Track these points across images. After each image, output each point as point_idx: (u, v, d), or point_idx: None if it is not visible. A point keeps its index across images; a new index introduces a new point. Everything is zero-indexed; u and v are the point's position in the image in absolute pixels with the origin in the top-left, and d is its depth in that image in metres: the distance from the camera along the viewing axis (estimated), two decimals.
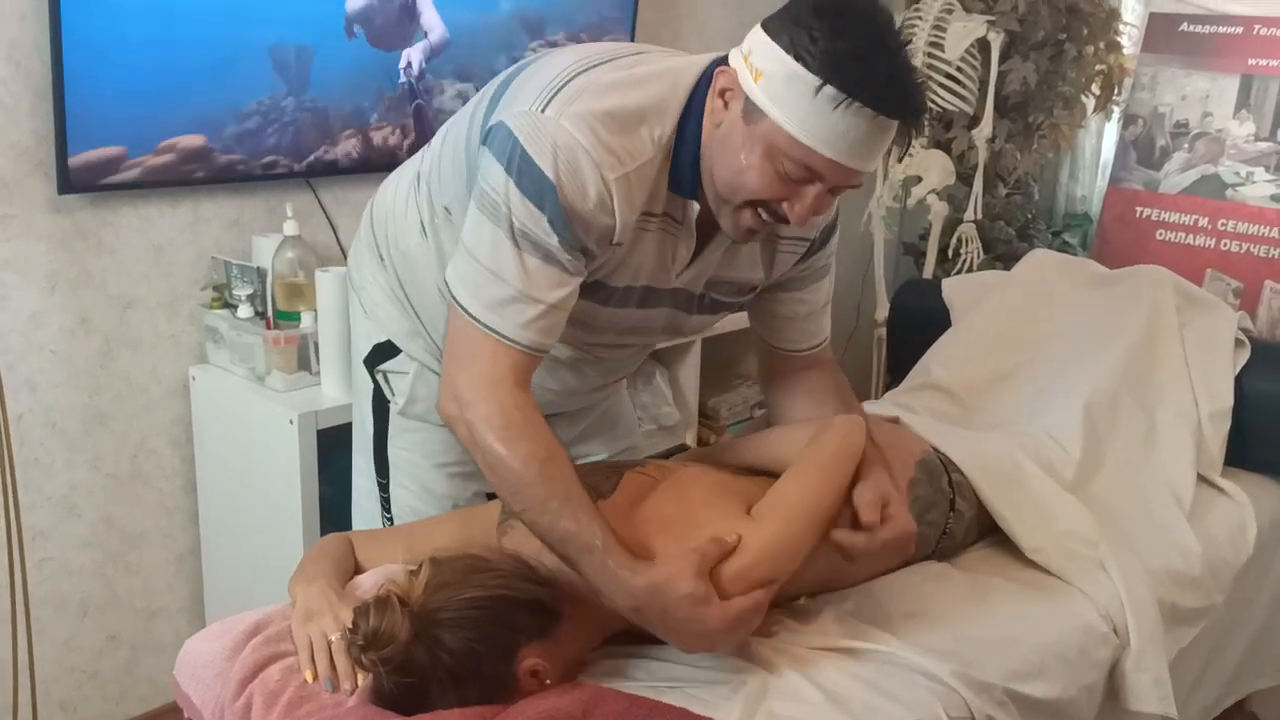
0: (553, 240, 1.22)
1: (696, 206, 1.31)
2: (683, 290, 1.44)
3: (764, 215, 1.28)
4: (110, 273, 2.06)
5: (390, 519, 1.62)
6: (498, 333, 1.24)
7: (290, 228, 2.11)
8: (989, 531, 1.69)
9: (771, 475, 1.39)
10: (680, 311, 1.47)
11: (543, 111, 1.23)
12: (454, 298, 1.27)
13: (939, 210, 3.19)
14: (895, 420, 1.78)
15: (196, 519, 2.26)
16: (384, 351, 1.57)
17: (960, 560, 1.64)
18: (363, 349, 1.60)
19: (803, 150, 1.19)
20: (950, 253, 3.25)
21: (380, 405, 1.59)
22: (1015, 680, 1.37)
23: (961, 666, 1.34)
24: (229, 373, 2.14)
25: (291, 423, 1.97)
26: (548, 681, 1.22)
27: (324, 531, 2.00)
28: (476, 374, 1.24)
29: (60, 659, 2.15)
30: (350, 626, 1.16)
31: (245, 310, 2.12)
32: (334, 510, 1.93)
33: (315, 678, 1.23)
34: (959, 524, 1.63)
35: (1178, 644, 1.65)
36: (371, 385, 1.59)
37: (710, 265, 1.42)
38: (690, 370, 2.71)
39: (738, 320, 1.55)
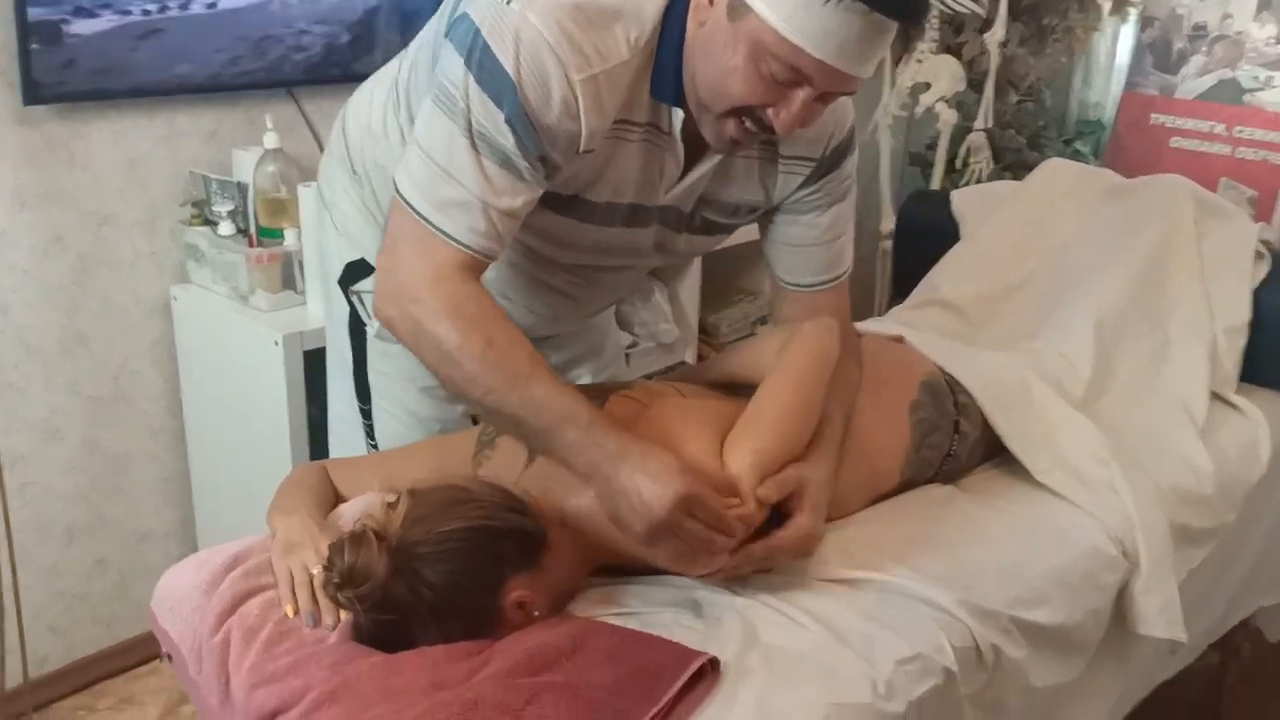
0: (508, 141, 1.14)
1: (681, 114, 1.23)
2: (672, 208, 1.35)
3: (748, 124, 1.20)
4: (83, 189, 1.98)
5: (375, 446, 1.56)
6: (445, 233, 1.16)
7: (271, 140, 2.02)
8: (996, 453, 1.63)
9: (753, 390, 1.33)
10: (669, 230, 1.39)
11: (508, 2, 1.13)
12: (399, 192, 1.18)
13: (948, 118, 3.08)
14: (899, 339, 1.71)
15: (184, 441, 2.21)
16: (358, 270, 1.50)
17: (965, 483, 1.59)
18: (335, 269, 1.53)
19: (790, 49, 1.10)
20: (959, 163, 3.16)
21: (357, 328, 1.52)
22: (1019, 607, 1.33)
23: (964, 594, 1.29)
24: (211, 292, 2.07)
25: (276, 344, 1.91)
26: (536, 614, 1.17)
27: (313, 455, 1.96)
28: (420, 270, 1.16)
29: (48, 584, 2.12)
30: (326, 564, 1.11)
31: (226, 227, 2.04)
32: (323, 433, 1.88)
33: (296, 612, 1.19)
34: (963, 446, 1.57)
35: (1187, 565, 1.60)
36: (348, 308, 1.52)
37: (702, 181, 1.33)
38: (690, 286, 2.63)
39: (740, 234, 1.46)
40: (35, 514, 2.07)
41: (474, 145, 1.15)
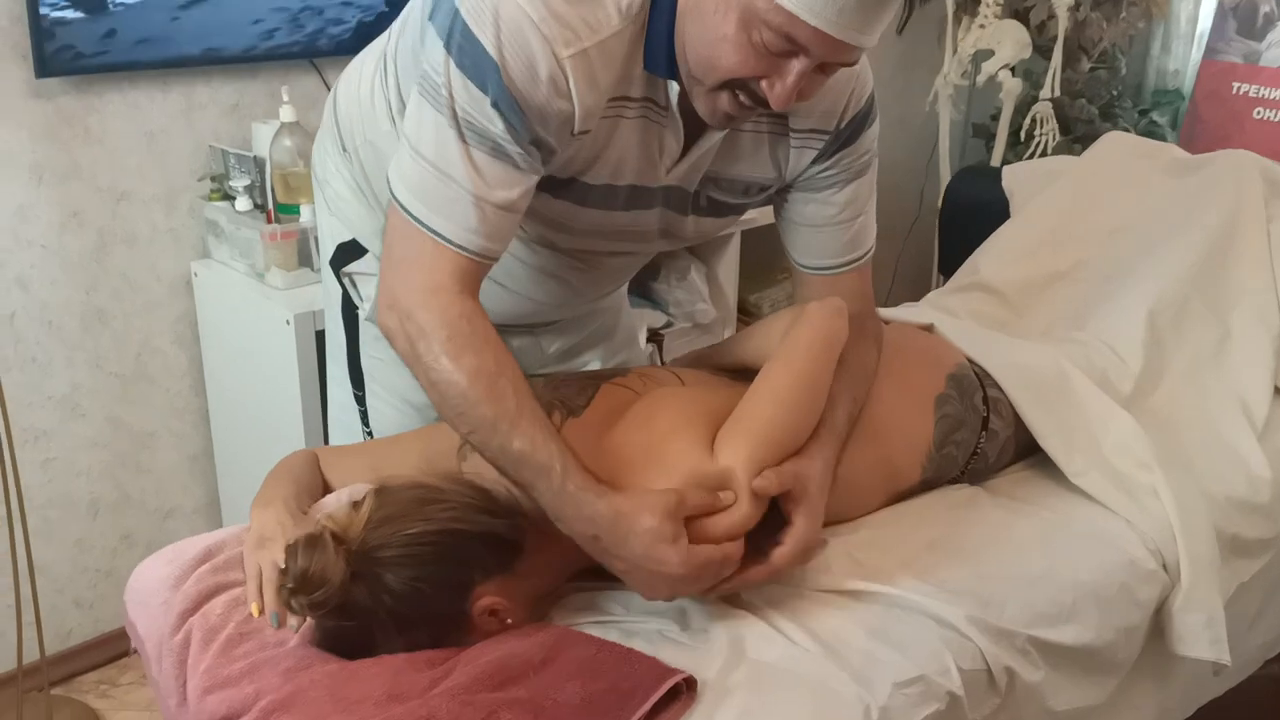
0: (497, 127, 1.06)
1: (677, 88, 1.13)
2: (675, 188, 1.26)
3: (742, 98, 1.10)
4: (100, 163, 1.95)
5: (370, 433, 1.51)
6: (442, 236, 1.09)
7: (287, 113, 1.97)
8: (1029, 452, 1.52)
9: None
10: (674, 213, 1.29)
11: None
12: (393, 195, 1.12)
13: (1012, 87, 2.93)
14: (929, 329, 1.60)
15: (208, 419, 2.19)
16: (349, 251, 1.44)
17: (993, 484, 1.48)
18: (328, 249, 1.47)
19: (784, 17, 1.00)
20: (1023, 134, 3.00)
21: (350, 311, 1.47)
22: (1041, 625, 1.23)
23: (979, 610, 1.19)
24: (230, 269, 2.04)
25: (288, 323, 1.87)
26: (509, 621, 1.11)
27: (327, 438, 1.91)
28: (418, 281, 1.09)
29: (74, 558, 2.12)
30: (282, 566, 1.06)
31: (244, 203, 2.00)
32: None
33: (262, 611, 1.13)
34: (992, 444, 1.46)
35: (1237, 579, 1.47)
36: (340, 290, 1.47)
37: (706, 159, 1.24)
38: (729, 264, 2.53)
39: None
40: (60, 489, 2.07)
41: (462, 136, 1.08)
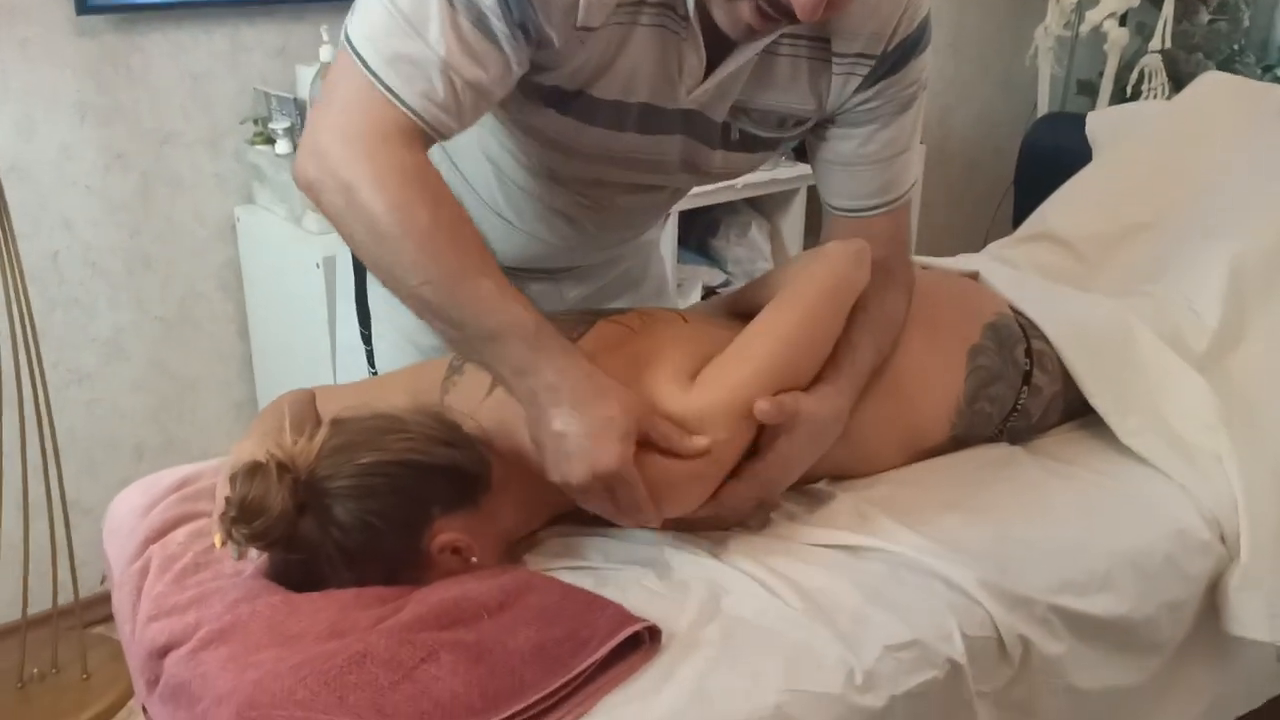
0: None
1: None
2: (698, 114, 1.16)
3: (764, 6, 1.00)
4: (144, 104, 1.94)
5: (375, 374, 1.46)
6: (395, 93, 0.98)
7: (326, 53, 1.93)
8: (1081, 412, 1.38)
9: None
10: (699, 144, 1.19)
11: None
12: (347, 38, 1.01)
13: (1117, 39, 2.74)
14: (974, 276, 1.47)
15: (251, 367, 2.18)
16: None
17: (1035, 444, 1.35)
18: None
19: None
20: (1130, 90, 2.80)
21: None
22: (1067, 593, 1.10)
23: (995, 574, 1.08)
24: (271, 214, 2.02)
25: (318, 266, 1.83)
26: (473, 560, 1.04)
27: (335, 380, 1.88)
28: (359, 127, 0.97)
29: None
30: (227, 494, 1.01)
31: (284, 145, 1.97)
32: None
33: (225, 542, 1.09)
34: (1035, 401, 1.33)
35: None
36: None
37: (735, 84, 1.13)
38: (794, 220, 2.42)
39: None
40: (104, 431, 2.08)
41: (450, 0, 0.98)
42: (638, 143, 1.17)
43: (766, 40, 1.08)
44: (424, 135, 1.00)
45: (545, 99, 1.09)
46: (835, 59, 1.14)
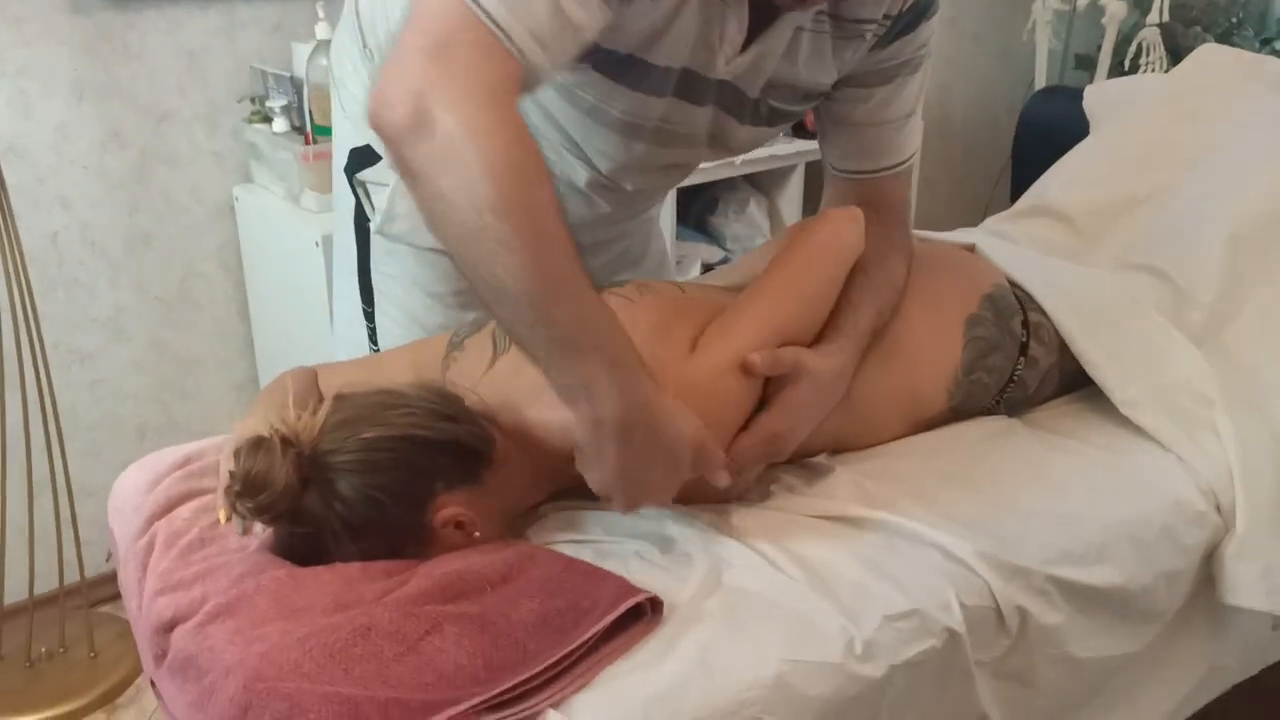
0: None
1: None
2: (732, 86, 1.16)
3: None
4: (140, 81, 1.94)
5: (378, 350, 1.46)
6: (505, 32, 0.87)
7: (323, 30, 1.93)
8: (1078, 385, 1.39)
9: None
10: (729, 116, 1.19)
11: None
12: None
13: (1115, 11, 2.74)
14: (970, 248, 1.48)
15: (253, 347, 2.19)
16: (364, 157, 1.38)
17: (1032, 416, 1.36)
18: (341, 155, 1.41)
19: None
20: (1128, 64, 2.79)
21: (362, 222, 1.41)
22: (1065, 564, 1.11)
23: (992, 545, 1.09)
24: (269, 192, 2.02)
25: (317, 245, 1.83)
26: (476, 534, 1.05)
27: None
28: (468, 70, 0.85)
29: None
30: (231, 469, 1.01)
31: (281, 124, 1.97)
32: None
33: (230, 518, 1.10)
34: (1032, 372, 1.34)
35: None
36: (353, 199, 1.41)
37: (771, 59, 1.14)
38: (792, 197, 2.42)
39: None
40: (107, 411, 2.09)
41: None
42: (676, 109, 1.16)
43: (812, 10, 1.09)
44: (520, 84, 0.91)
45: (596, 63, 1.07)
46: (848, 24, 1.14)
